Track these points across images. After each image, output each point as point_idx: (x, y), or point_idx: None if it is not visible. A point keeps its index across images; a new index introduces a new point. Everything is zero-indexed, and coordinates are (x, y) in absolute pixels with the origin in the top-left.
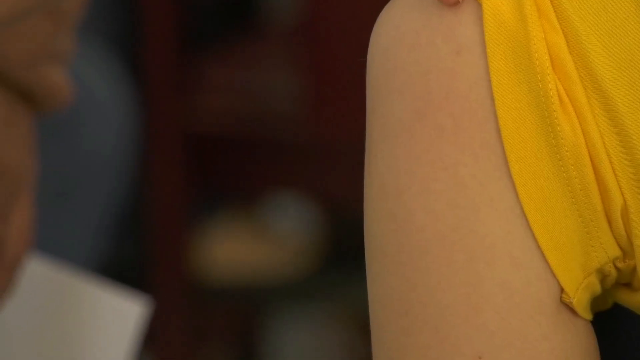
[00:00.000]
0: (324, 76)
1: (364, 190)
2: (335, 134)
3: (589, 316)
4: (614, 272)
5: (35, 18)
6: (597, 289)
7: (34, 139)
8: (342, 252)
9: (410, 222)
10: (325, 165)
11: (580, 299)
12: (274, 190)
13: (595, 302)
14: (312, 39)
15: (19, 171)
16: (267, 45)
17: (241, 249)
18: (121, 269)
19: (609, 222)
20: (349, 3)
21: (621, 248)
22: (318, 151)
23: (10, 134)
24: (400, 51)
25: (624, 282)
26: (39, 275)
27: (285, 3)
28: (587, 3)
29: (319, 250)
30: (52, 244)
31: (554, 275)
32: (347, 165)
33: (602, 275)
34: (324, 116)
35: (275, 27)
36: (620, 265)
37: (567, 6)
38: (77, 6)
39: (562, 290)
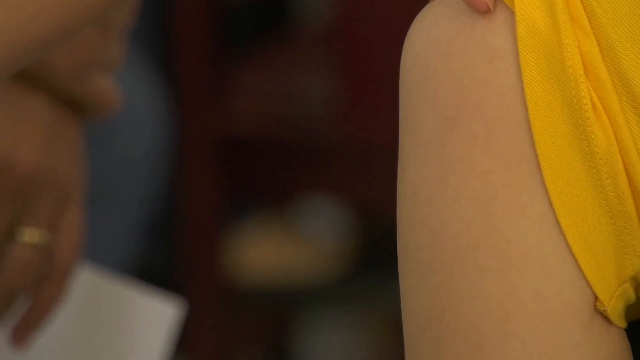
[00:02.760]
0: (357, 79)
1: (397, 198)
2: (368, 137)
3: (623, 324)
4: None
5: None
6: (632, 296)
7: (82, 148)
8: (374, 256)
9: (443, 230)
10: (358, 169)
11: (614, 307)
12: (306, 193)
13: (629, 310)
14: (345, 43)
15: (68, 181)
16: (300, 49)
17: (273, 252)
18: (155, 272)
19: None
20: (381, 7)
21: None
22: (351, 154)
23: (59, 144)
24: (433, 59)
25: None
26: (76, 278)
27: (318, 7)
28: (620, 10)
29: (351, 253)
30: (86, 247)
31: (587, 283)
32: (380, 168)
33: (637, 283)
34: (357, 119)
35: (308, 31)
36: None
37: (600, 14)
38: (125, 14)
39: (595, 298)
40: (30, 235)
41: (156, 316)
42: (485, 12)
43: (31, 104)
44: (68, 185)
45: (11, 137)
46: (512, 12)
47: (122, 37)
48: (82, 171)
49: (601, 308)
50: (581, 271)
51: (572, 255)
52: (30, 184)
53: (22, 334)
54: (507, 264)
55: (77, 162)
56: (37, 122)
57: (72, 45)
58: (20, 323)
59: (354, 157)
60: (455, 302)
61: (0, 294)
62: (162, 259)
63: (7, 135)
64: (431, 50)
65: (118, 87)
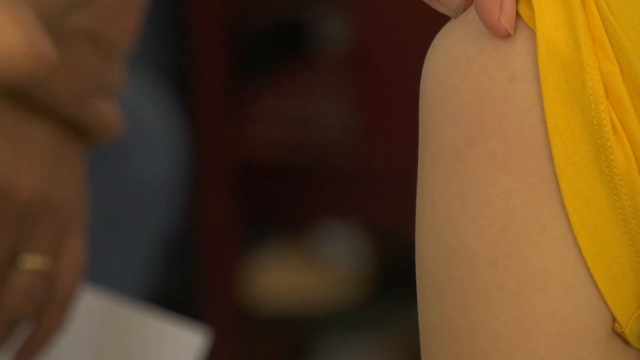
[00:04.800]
0: (374, 105)
1: (416, 215)
2: (385, 163)
3: None
4: None
5: (82, 51)
6: None
7: (84, 173)
8: (391, 281)
9: (462, 247)
10: (375, 194)
11: (632, 328)
12: (323, 219)
13: None
14: (363, 68)
15: (70, 207)
16: (318, 74)
17: (291, 278)
18: (171, 297)
19: None
20: (399, 32)
21: None
22: (368, 180)
23: (61, 170)
24: (453, 78)
25: None
26: (98, 308)
27: (336, 32)
28: None
29: (368, 279)
30: (102, 274)
31: (606, 304)
32: (397, 194)
33: None
34: (374, 145)
35: (326, 56)
36: None
37: (622, 35)
38: (125, 38)
39: (614, 319)
40: (31, 261)
41: (182, 345)
42: (506, 36)
43: (33, 130)
44: (70, 211)
45: (12, 164)
46: (533, 32)
47: (123, 61)
48: (84, 197)
49: (619, 329)
50: (600, 292)
51: (591, 275)
52: (31, 211)
53: None
54: (526, 283)
55: (79, 187)
56: (39, 149)
57: (72, 71)
58: (21, 350)
59: (371, 183)
60: (473, 321)
61: (0, 321)
62: (178, 285)
63: (8, 162)
64: (452, 69)
65: (120, 111)
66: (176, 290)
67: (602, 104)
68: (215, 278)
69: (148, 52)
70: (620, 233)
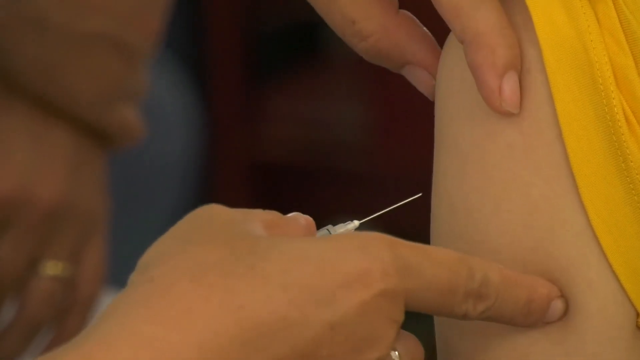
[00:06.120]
0: (389, 106)
1: (432, 210)
2: (401, 164)
3: None
4: None
5: (105, 57)
6: None
7: (106, 178)
8: None
9: (484, 242)
10: (391, 195)
11: None
12: (337, 219)
13: None
14: (377, 69)
15: (91, 212)
16: (333, 75)
17: None
18: None
19: None
20: None
21: None
22: (382, 180)
23: (82, 175)
24: (468, 70)
25: None
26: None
27: None
28: None
29: None
30: (110, 265)
31: (629, 299)
32: (411, 194)
33: None
34: (389, 146)
35: (341, 57)
36: None
37: (637, 28)
38: (148, 44)
39: (638, 314)
40: (52, 267)
41: None
42: (512, 115)
43: (54, 136)
44: (91, 217)
45: (33, 170)
46: None
47: (145, 66)
48: (105, 202)
49: None
50: (623, 288)
51: (613, 272)
52: (52, 218)
53: None
54: (551, 278)
55: (100, 193)
56: (60, 155)
57: (95, 76)
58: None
59: (385, 183)
60: None
61: (22, 327)
62: None
63: (29, 169)
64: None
65: (142, 116)
66: None
67: (614, 99)
68: None
69: (165, 52)
70: None
